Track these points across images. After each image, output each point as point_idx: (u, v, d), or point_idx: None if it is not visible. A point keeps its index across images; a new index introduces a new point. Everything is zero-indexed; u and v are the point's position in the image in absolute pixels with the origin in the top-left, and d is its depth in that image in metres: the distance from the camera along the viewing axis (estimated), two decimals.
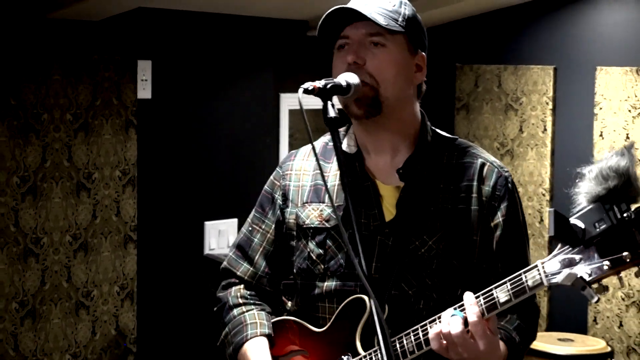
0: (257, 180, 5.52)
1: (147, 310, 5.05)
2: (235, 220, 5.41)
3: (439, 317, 2.30)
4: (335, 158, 2.57)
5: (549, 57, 6.53)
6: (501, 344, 2.35)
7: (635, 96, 6.14)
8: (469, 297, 2.26)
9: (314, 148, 2.38)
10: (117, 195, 4.90)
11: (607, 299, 6.28)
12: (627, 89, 6.17)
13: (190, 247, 5.22)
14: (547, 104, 6.47)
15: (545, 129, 6.47)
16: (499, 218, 2.49)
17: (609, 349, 5.85)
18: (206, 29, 5.25)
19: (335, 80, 2.38)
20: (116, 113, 4.85)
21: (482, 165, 2.53)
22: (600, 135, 6.29)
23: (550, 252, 2.23)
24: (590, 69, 6.36)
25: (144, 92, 4.92)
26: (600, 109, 6.28)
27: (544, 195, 6.45)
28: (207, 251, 5.22)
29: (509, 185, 2.52)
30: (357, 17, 2.44)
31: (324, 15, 2.45)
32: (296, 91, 2.34)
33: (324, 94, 2.33)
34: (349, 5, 2.47)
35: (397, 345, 2.36)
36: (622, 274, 2.12)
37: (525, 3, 6.54)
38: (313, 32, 5.75)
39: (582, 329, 6.27)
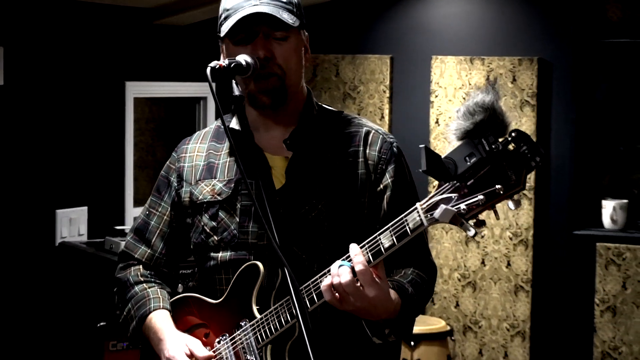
0: (104, 169, 5.56)
1: (0, 300, 4.97)
2: (85, 209, 5.38)
3: (329, 271, 2.38)
4: (227, 139, 2.67)
5: (386, 47, 6.73)
6: (393, 293, 2.42)
7: (469, 84, 6.41)
8: (354, 247, 2.35)
9: (224, 123, 2.50)
10: None
11: (444, 280, 6.53)
12: (461, 77, 6.44)
13: (42, 235, 5.17)
14: (385, 92, 6.66)
15: (382, 117, 6.67)
16: (387, 180, 2.61)
17: (448, 327, 6.11)
18: (58, 15, 5.20)
19: (236, 59, 2.49)
20: None
21: (368, 132, 2.65)
22: (437, 122, 6.53)
23: None
24: (426, 58, 6.59)
25: None
26: (436, 96, 6.53)
27: None
28: (59, 240, 5.18)
29: (394, 149, 2.65)
30: (265, 18, 2.52)
31: (237, 19, 2.51)
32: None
33: (228, 73, 2.46)
34: (252, 6, 2.53)
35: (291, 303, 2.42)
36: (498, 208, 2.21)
37: None
38: (160, 20, 5.79)
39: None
